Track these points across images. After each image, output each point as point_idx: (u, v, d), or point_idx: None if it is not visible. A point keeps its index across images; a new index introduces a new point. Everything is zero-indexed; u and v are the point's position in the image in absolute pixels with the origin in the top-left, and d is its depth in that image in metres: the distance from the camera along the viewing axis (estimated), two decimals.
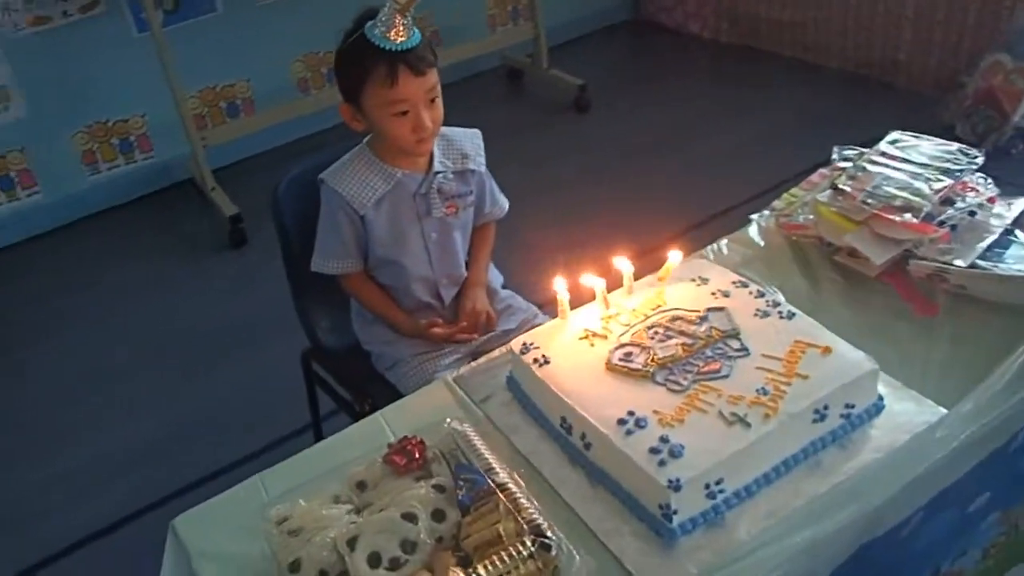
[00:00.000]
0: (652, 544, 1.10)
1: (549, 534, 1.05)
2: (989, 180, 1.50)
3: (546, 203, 3.21)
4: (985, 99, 3.08)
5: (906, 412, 1.23)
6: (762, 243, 1.60)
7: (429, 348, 1.72)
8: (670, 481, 1.07)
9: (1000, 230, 1.40)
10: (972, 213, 1.43)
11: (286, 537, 1.10)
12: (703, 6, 4.38)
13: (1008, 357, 1.25)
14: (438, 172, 1.67)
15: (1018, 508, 1.37)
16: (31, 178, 3.43)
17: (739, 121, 3.66)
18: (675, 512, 1.08)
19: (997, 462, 1.27)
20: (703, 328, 1.28)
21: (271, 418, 2.40)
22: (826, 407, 1.17)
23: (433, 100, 1.57)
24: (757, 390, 1.17)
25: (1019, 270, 1.34)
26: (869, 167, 1.52)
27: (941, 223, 1.41)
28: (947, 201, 1.44)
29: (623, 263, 1.37)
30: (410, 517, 1.08)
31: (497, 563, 1.01)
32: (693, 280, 1.40)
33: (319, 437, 2.03)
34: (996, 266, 1.34)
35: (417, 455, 1.18)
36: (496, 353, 1.47)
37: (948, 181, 1.46)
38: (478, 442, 1.19)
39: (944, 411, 1.21)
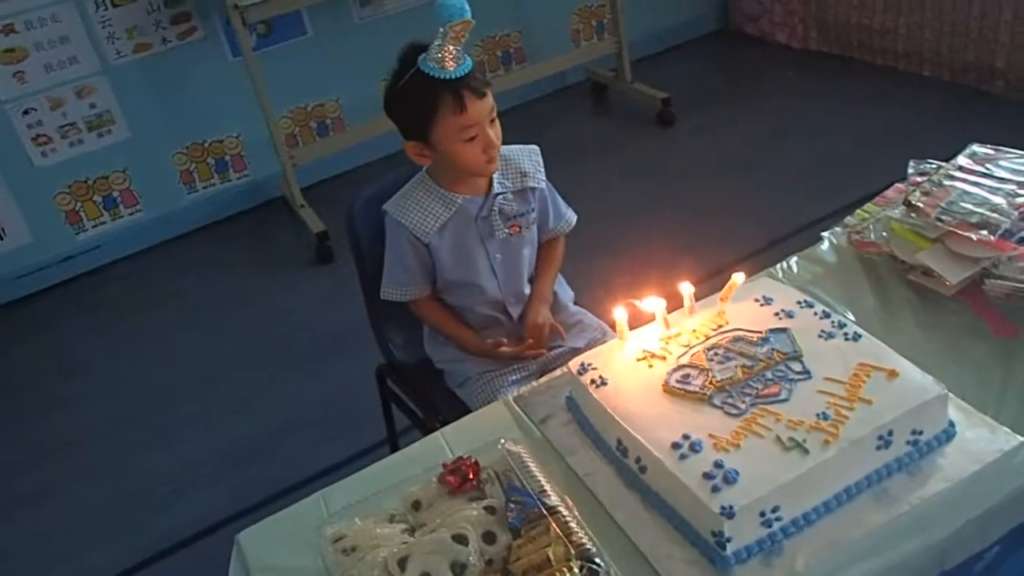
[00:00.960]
0: (705, 572, 1.08)
1: (598, 560, 1.05)
2: None
3: (622, 218, 3.20)
4: None
5: (979, 439, 1.17)
6: (833, 261, 1.56)
7: (496, 366, 1.73)
8: (723, 508, 1.05)
9: None
10: None
11: (341, 555, 1.12)
12: (791, 15, 4.29)
13: None
14: (498, 194, 1.68)
15: None
16: (133, 197, 3.60)
17: (826, 133, 3.57)
18: (729, 540, 1.06)
19: None
20: (764, 350, 1.26)
21: (353, 431, 2.46)
22: (891, 433, 1.13)
23: (493, 120, 1.59)
24: (817, 415, 1.14)
25: None
26: (946, 182, 1.46)
27: (1021, 240, 1.34)
28: None
29: (684, 285, 1.35)
30: (461, 539, 1.09)
31: None
32: (756, 300, 1.37)
33: (395, 451, 2.06)
34: None
35: (471, 476, 1.19)
36: (558, 373, 1.47)
37: None
38: (531, 464, 1.20)
39: (1021, 439, 1.16)
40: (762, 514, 1.07)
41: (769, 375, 1.22)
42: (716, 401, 1.20)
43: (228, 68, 3.56)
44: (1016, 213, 1.36)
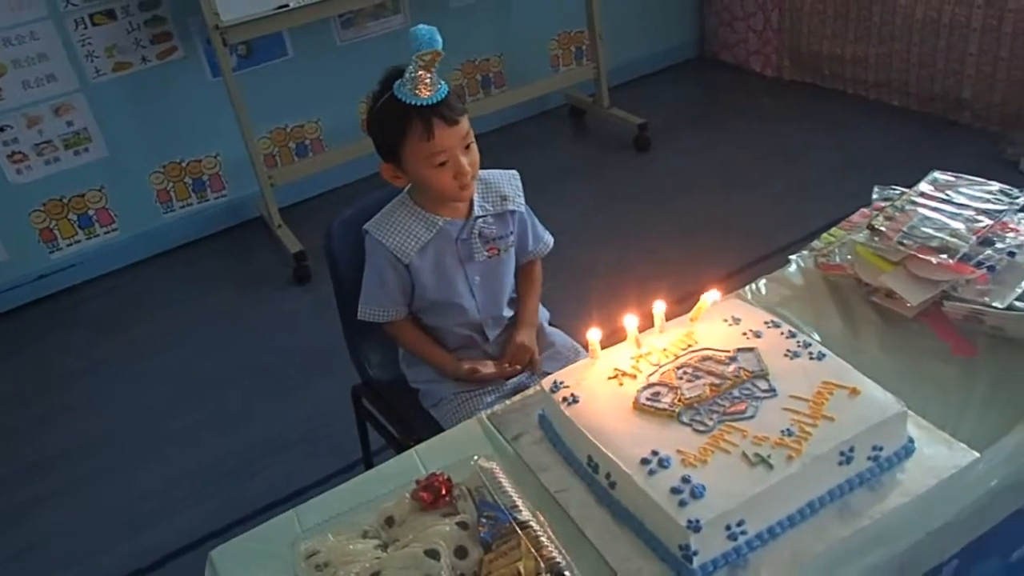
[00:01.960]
0: None
1: (567, 573, 1.07)
2: None
3: (598, 241, 3.25)
4: None
5: (938, 455, 1.21)
6: (801, 283, 1.60)
7: (471, 386, 1.75)
8: (690, 521, 1.07)
9: None
10: (1012, 254, 1.40)
11: (314, 571, 1.13)
12: (765, 44, 4.37)
13: None
14: (479, 217, 1.71)
15: None
16: (109, 216, 3.60)
17: (799, 160, 3.64)
18: (695, 553, 1.09)
19: None
20: (731, 368, 1.29)
21: (331, 451, 2.47)
22: (852, 449, 1.16)
23: (468, 146, 1.61)
24: (782, 431, 1.17)
25: None
26: (908, 207, 1.51)
27: (979, 264, 1.39)
28: (986, 242, 1.42)
29: (656, 304, 1.39)
30: (433, 554, 1.10)
31: None
32: (725, 320, 1.40)
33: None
34: None
35: (444, 492, 1.20)
36: (531, 391, 1.49)
37: (988, 221, 1.44)
38: (503, 480, 1.22)
39: (977, 455, 1.19)
40: (728, 528, 1.09)
41: (736, 393, 1.25)
42: (684, 418, 1.22)
43: (208, 88, 3.58)
44: (974, 238, 1.41)
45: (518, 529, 1.12)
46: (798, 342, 1.33)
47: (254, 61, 3.65)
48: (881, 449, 1.18)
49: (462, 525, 1.14)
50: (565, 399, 1.30)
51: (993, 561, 1.25)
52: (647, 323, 1.40)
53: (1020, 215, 1.49)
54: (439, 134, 1.55)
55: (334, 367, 2.19)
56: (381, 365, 1.96)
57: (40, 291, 3.51)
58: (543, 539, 1.11)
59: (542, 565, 1.07)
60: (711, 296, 1.40)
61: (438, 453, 1.37)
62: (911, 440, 1.22)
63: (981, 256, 1.40)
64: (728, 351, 1.33)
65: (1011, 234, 1.44)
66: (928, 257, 1.40)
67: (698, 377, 1.29)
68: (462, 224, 1.71)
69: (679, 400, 1.25)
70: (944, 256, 1.39)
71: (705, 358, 1.32)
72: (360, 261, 1.77)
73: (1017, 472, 1.16)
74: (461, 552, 1.12)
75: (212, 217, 3.81)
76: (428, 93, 1.52)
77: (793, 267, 1.64)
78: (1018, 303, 1.34)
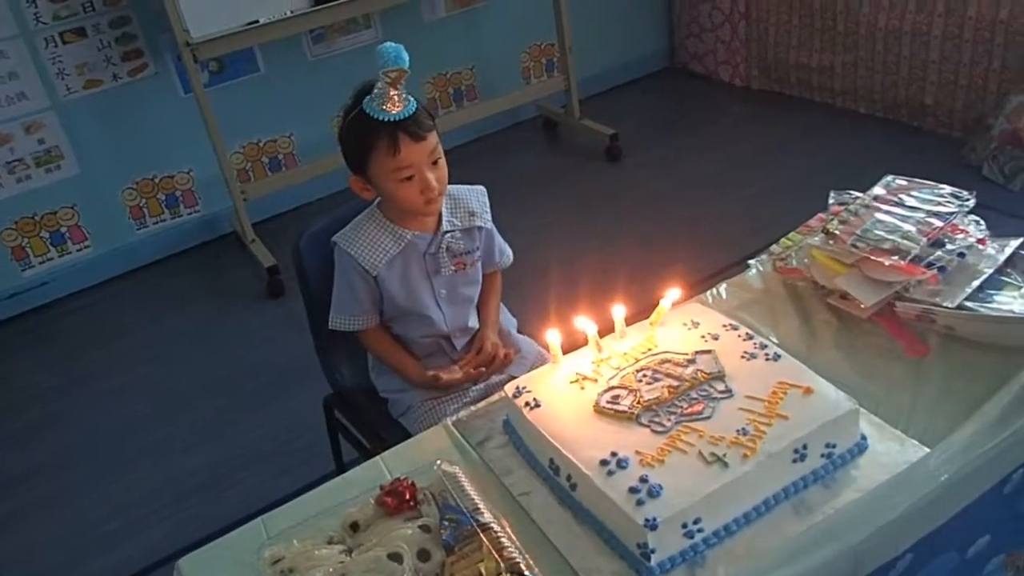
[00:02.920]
0: None
1: (527, 573, 1.09)
2: (981, 222, 1.52)
3: (569, 250, 3.27)
4: (1011, 140, 3.07)
5: (889, 452, 1.24)
6: (760, 287, 1.63)
7: (439, 393, 1.77)
8: (647, 520, 1.09)
9: (990, 271, 1.41)
10: (961, 255, 1.44)
11: None
12: (733, 54, 4.43)
13: (994, 397, 1.26)
14: (447, 232, 1.73)
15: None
16: (82, 233, 3.59)
17: (768, 167, 3.69)
18: (653, 551, 1.11)
19: (992, 503, 1.27)
20: (690, 371, 1.32)
21: (304, 463, 2.47)
22: (806, 447, 1.19)
23: (436, 161, 1.63)
24: (738, 430, 1.20)
25: (1007, 311, 1.35)
26: (862, 211, 1.54)
27: (929, 265, 1.42)
28: (937, 243, 1.46)
29: (616, 308, 1.41)
30: (396, 557, 1.12)
31: None
32: (685, 324, 1.43)
33: None
34: (982, 306, 1.35)
35: (408, 497, 1.22)
36: (495, 397, 1.51)
37: (939, 224, 1.47)
38: (466, 483, 1.24)
39: (928, 450, 1.22)
40: (684, 525, 1.12)
41: (694, 394, 1.28)
42: (643, 420, 1.25)
43: (180, 104, 3.59)
44: (925, 239, 1.45)
45: (479, 531, 1.14)
46: (755, 344, 1.36)
47: (226, 77, 3.66)
48: (834, 446, 1.21)
49: (425, 528, 1.16)
50: (527, 403, 1.33)
51: (950, 556, 1.28)
52: (610, 328, 1.42)
53: (970, 217, 1.53)
54: (405, 150, 1.57)
55: (308, 381, 2.20)
56: (352, 376, 1.97)
57: (13, 309, 3.50)
58: (504, 540, 1.13)
59: (502, 566, 1.09)
60: (672, 294, 1.43)
61: (404, 459, 1.38)
62: (864, 437, 1.25)
63: (932, 257, 1.43)
64: (687, 354, 1.36)
65: (961, 236, 1.47)
66: (881, 259, 1.43)
67: (657, 379, 1.31)
68: (430, 238, 1.73)
69: (638, 402, 1.27)
70: (896, 258, 1.43)
71: (664, 361, 1.35)
72: (330, 274, 1.79)
73: (967, 467, 1.19)
74: (424, 555, 1.13)
75: (185, 233, 3.81)
76: (396, 109, 1.54)
77: (753, 271, 1.67)
78: (968, 303, 1.38)
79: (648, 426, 1.24)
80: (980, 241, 1.47)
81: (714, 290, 1.65)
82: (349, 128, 1.62)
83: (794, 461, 1.19)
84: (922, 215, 1.50)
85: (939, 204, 1.52)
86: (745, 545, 1.14)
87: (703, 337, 1.39)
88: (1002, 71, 3.30)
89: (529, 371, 1.79)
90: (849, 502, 1.17)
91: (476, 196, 1.80)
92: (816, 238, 1.54)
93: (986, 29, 3.30)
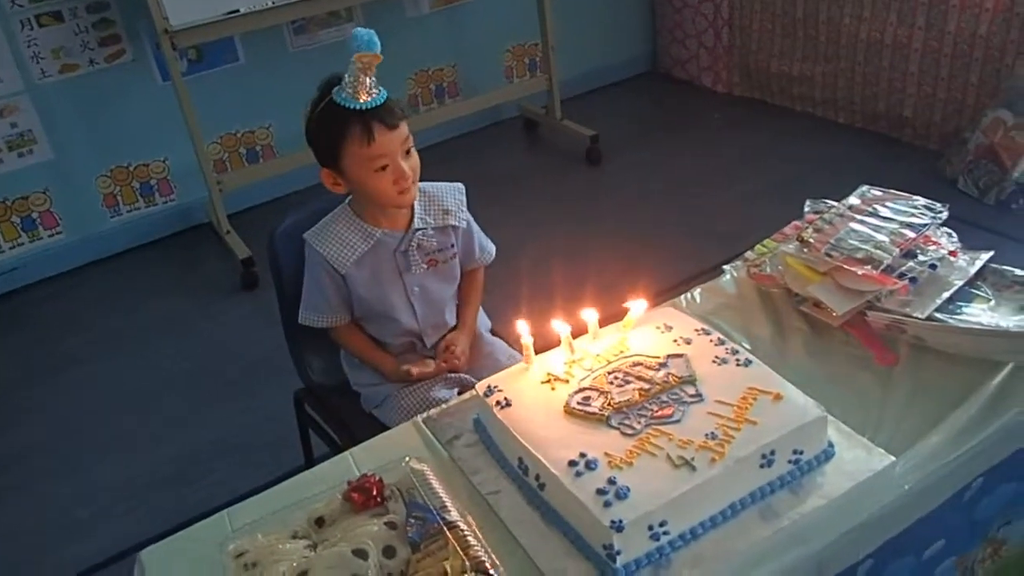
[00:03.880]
0: None
1: (492, 572, 1.09)
2: (953, 234, 1.53)
3: (546, 251, 3.27)
4: (986, 154, 3.11)
5: (856, 459, 1.24)
6: (734, 292, 1.64)
7: (413, 382, 1.76)
8: (613, 522, 1.09)
9: (960, 284, 1.42)
10: (933, 266, 1.45)
11: (242, 570, 1.13)
12: (716, 60, 4.45)
13: (960, 408, 1.27)
14: (418, 229, 1.72)
15: (972, 553, 1.38)
16: (53, 219, 3.55)
17: (747, 174, 3.70)
18: (619, 553, 1.11)
19: (952, 511, 1.29)
20: (661, 374, 1.32)
21: (273, 457, 2.45)
22: (773, 452, 1.19)
23: (408, 151, 1.62)
24: (706, 435, 1.20)
25: (976, 323, 1.36)
26: (836, 220, 1.55)
27: (901, 275, 1.43)
28: (909, 254, 1.47)
29: (587, 312, 1.41)
30: (360, 553, 1.11)
31: None
32: (658, 327, 1.43)
33: None
34: (952, 318, 1.37)
35: (375, 492, 1.21)
36: (467, 395, 1.51)
37: (911, 235, 1.48)
38: (434, 481, 1.23)
39: (893, 459, 1.23)
40: (650, 528, 1.12)
41: (664, 398, 1.28)
42: (613, 422, 1.25)
43: (157, 92, 3.56)
44: (897, 250, 1.46)
45: (445, 529, 1.13)
46: (726, 349, 1.36)
47: (205, 66, 3.63)
48: (802, 452, 1.22)
49: (391, 525, 1.15)
50: (498, 403, 1.32)
51: (907, 560, 1.29)
52: (583, 330, 1.42)
53: (943, 229, 1.54)
54: (379, 138, 1.56)
55: (280, 374, 2.18)
56: (324, 370, 1.96)
57: None
58: (470, 539, 1.13)
59: (468, 564, 1.08)
60: (638, 305, 1.43)
61: (373, 455, 1.37)
62: (831, 444, 1.25)
63: (904, 268, 1.44)
64: (659, 357, 1.36)
65: (933, 247, 1.49)
66: (853, 268, 1.44)
67: (628, 382, 1.31)
68: (401, 236, 1.72)
69: (609, 404, 1.27)
70: (869, 268, 1.43)
71: (636, 364, 1.35)
72: (303, 267, 1.78)
73: (931, 476, 1.20)
74: (389, 552, 1.13)
75: (160, 222, 3.78)
76: (367, 97, 1.53)
77: (727, 276, 1.67)
78: (938, 314, 1.39)
79: (618, 428, 1.24)
80: (952, 253, 1.48)
81: (688, 294, 1.65)
82: (319, 120, 1.60)
83: (761, 466, 1.19)
84: (896, 226, 1.51)
85: (913, 215, 1.53)
86: (711, 548, 1.14)
87: (675, 341, 1.39)
88: (979, 85, 3.34)
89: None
90: (815, 508, 1.18)
91: (453, 194, 1.79)
92: (791, 246, 1.54)
93: (965, 43, 3.33)
